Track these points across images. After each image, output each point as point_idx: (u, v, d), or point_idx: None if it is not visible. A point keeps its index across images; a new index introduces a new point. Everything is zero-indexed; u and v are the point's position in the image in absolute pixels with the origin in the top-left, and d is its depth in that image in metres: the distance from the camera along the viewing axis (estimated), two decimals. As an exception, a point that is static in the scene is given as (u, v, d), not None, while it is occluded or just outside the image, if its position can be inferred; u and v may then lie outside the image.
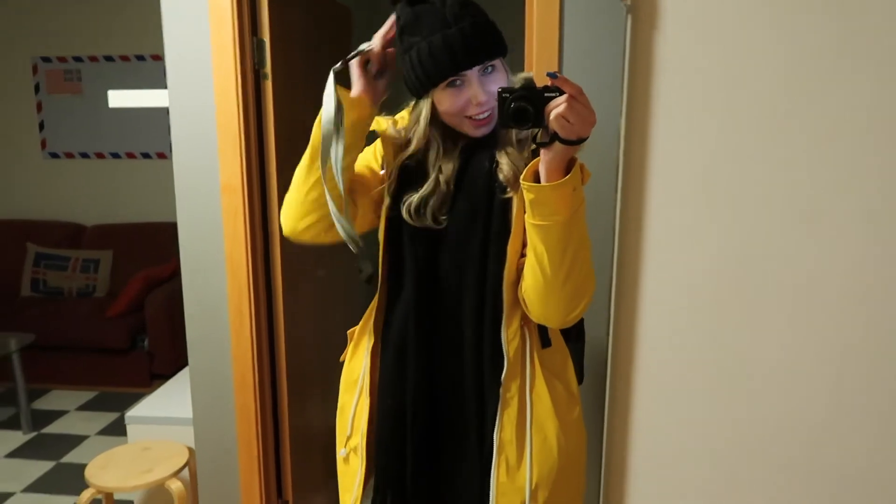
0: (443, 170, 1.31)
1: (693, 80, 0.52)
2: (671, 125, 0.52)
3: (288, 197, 1.38)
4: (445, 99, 1.26)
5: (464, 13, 1.23)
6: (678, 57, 0.54)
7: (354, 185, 1.39)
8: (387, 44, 1.32)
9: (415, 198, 1.31)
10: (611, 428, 0.71)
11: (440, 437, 1.39)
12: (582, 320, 1.50)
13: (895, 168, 0.53)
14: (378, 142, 1.42)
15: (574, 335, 1.48)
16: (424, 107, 1.28)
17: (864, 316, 0.55)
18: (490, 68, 1.25)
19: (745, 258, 0.54)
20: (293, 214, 1.36)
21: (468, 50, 1.21)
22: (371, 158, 1.44)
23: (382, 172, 1.39)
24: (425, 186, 1.31)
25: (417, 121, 1.30)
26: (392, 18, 1.30)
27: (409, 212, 1.31)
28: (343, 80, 1.29)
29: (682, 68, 0.53)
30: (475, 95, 1.24)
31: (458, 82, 1.24)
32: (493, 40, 1.25)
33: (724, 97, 0.53)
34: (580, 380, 1.48)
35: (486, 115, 1.26)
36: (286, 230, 1.40)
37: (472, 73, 1.24)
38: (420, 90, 1.27)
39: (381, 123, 1.39)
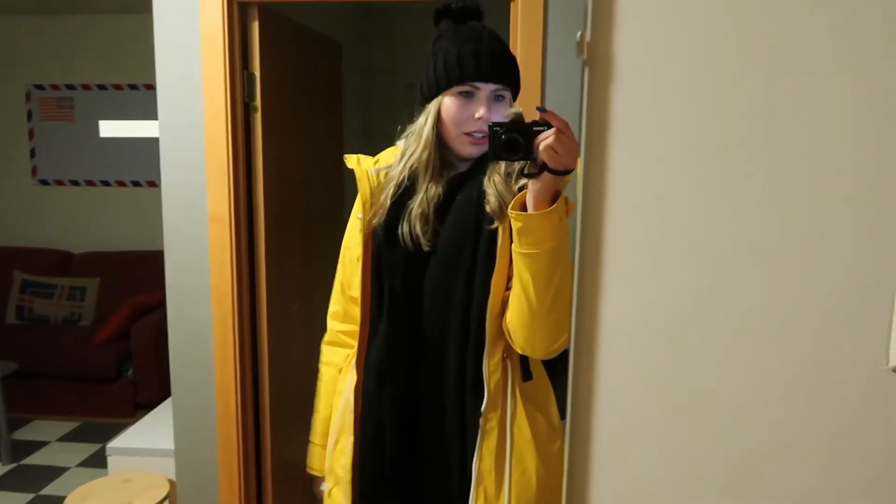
0: (429, 191, 1.34)
1: (647, 130, 0.54)
2: (627, 172, 0.54)
3: None
4: (452, 106, 1.31)
5: (497, 40, 1.33)
6: (633, 107, 0.56)
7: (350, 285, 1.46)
8: None
9: (408, 214, 1.34)
10: (572, 452, 0.72)
11: (421, 465, 1.39)
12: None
13: (831, 211, 0.56)
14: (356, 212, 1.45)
15: (561, 369, 1.48)
16: (432, 108, 1.33)
17: (808, 347, 0.57)
18: (501, 97, 1.33)
19: (696, 292, 0.57)
20: None
21: (493, 65, 1.30)
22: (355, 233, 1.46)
23: (360, 217, 1.41)
24: (416, 203, 1.34)
25: (425, 121, 1.34)
26: None
27: (405, 231, 1.34)
28: None
29: (637, 117, 0.55)
30: (479, 109, 1.29)
31: (471, 93, 1.30)
32: (514, 73, 1.35)
33: (677, 146, 0.55)
34: (566, 414, 1.48)
35: (482, 135, 1.30)
36: None
37: (486, 89, 1.31)
38: (436, 89, 1.33)
39: (363, 162, 1.42)
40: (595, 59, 0.57)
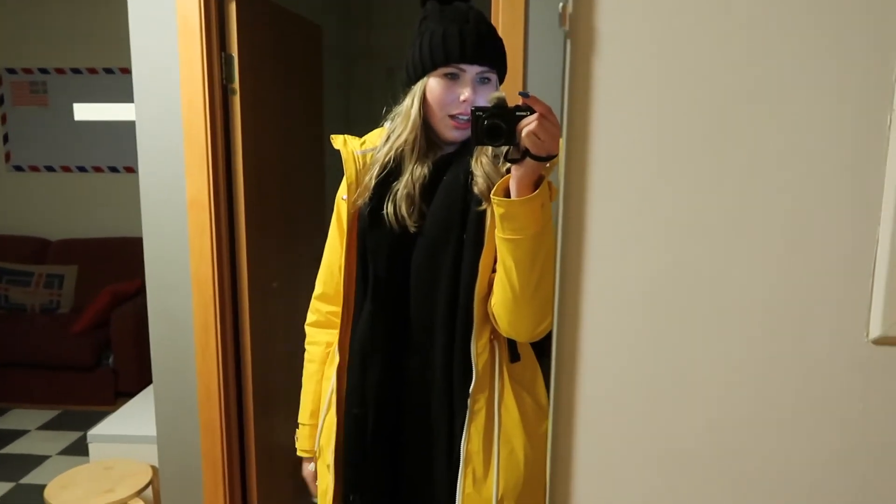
0: (414, 172, 1.33)
1: (630, 104, 0.54)
2: (609, 147, 0.54)
3: None
4: (437, 87, 1.30)
5: (483, 21, 1.32)
6: (616, 80, 0.56)
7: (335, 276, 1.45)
8: None
9: (393, 195, 1.33)
10: (555, 435, 0.72)
11: (407, 446, 1.40)
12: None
13: (813, 183, 0.57)
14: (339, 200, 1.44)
15: (548, 350, 1.49)
16: (417, 90, 1.32)
17: (789, 319, 0.58)
18: (487, 80, 1.31)
19: (679, 269, 0.57)
20: None
21: (478, 46, 1.29)
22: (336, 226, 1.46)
23: (345, 199, 1.40)
24: (402, 184, 1.33)
25: (411, 103, 1.33)
26: None
27: (390, 211, 1.33)
28: None
29: (619, 90, 0.55)
30: (464, 91, 1.28)
31: (456, 75, 1.29)
32: (500, 55, 1.34)
33: (661, 121, 0.55)
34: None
35: (466, 118, 1.28)
36: None
37: (471, 72, 1.30)
38: (421, 71, 1.31)
39: (350, 143, 1.41)
40: (577, 31, 0.57)
